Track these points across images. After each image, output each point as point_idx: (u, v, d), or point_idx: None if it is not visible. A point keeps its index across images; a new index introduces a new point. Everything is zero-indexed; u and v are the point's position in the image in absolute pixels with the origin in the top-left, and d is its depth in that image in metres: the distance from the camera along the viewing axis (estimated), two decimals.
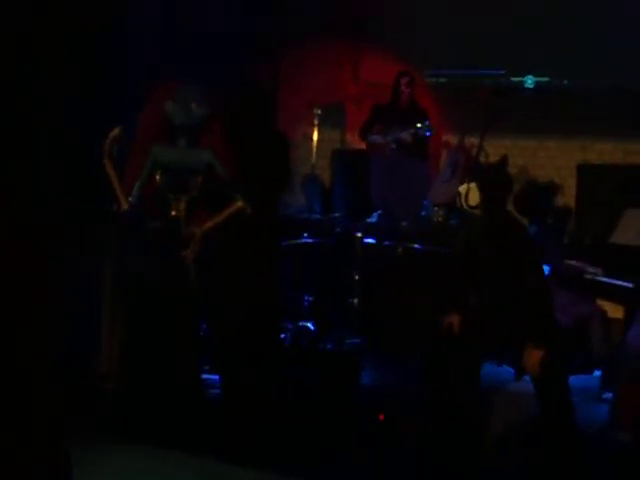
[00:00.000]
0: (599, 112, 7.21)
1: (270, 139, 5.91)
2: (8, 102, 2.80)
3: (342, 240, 6.84)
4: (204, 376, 5.43)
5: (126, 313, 5.30)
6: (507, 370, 5.90)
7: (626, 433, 4.95)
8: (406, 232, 7.15)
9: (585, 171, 7.34)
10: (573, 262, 6.09)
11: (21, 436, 2.75)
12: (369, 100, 8.07)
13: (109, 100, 4.91)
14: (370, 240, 6.87)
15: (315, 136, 8.06)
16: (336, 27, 8.15)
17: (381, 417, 5.21)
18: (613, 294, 5.92)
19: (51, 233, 2.96)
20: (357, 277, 6.55)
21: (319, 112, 8.02)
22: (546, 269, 5.70)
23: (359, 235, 6.69)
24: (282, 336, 5.91)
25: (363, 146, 7.93)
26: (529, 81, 7.61)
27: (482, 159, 7.13)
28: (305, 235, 6.56)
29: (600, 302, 6.18)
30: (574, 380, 4.95)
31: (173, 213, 5.07)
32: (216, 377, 5.41)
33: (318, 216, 7.87)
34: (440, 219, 7.50)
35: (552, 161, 7.68)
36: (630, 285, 5.70)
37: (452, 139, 7.94)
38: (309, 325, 6.04)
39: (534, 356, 4.36)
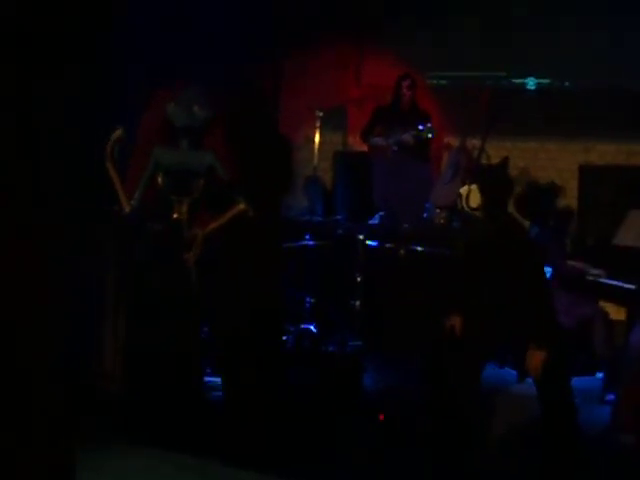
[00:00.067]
0: (601, 113, 7.20)
1: (272, 141, 5.91)
2: (8, 102, 2.80)
3: (344, 242, 6.85)
4: (206, 378, 5.43)
5: (128, 315, 5.30)
6: (509, 372, 5.91)
7: (628, 435, 4.95)
8: (408, 234, 7.14)
9: (587, 172, 7.33)
10: (575, 263, 6.08)
11: (21, 436, 2.74)
12: (371, 102, 8.07)
13: (109, 100, 4.91)
14: (372, 242, 6.86)
15: (317, 138, 8.05)
16: (338, 30, 8.15)
17: (381, 417, 5.21)
18: (616, 296, 5.92)
19: (51, 233, 2.96)
20: (359, 279, 6.54)
21: (321, 114, 8.02)
22: (548, 271, 5.70)
23: (361, 237, 6.69)
24: (284, 338, 5.91)
25: (365, 148, 7.93)
26: (530, 83, 7.60)
27: (483, 161, 7.14)
28: (307, 237, 6.56)
29: (603, 304, 6.18)
30: (576, 382, 4.95)
31: (175, 215, 5.07)
32: (218, 379, 5.41)
33: (320, 218, 7.86)
34: (442, 221, 7.49)
35: (554, 163, 7.67)
36: (633, 287, 5.69)
37: (453, 141, 7.93)
38: (311, 327, 6.04)
39: (536, 358, 4.35)
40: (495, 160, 7.05)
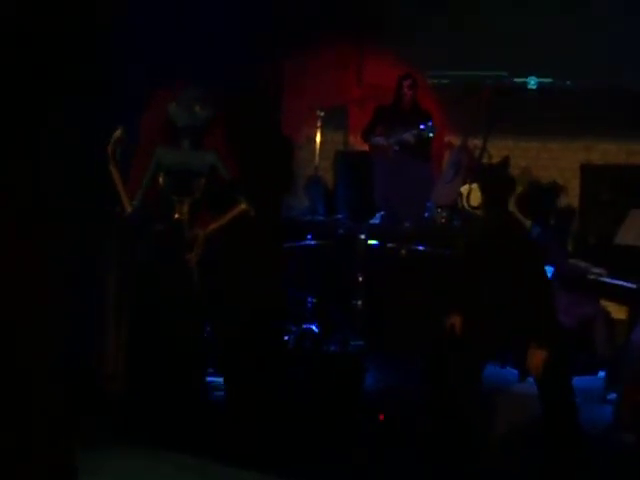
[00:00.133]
0: (602, 112, 7.19)
1: (273, 141, 5.92)
2: (8, 102, 2.80)
3: (345, 242, 6.84)
4: (209, 378, 5.43)
5: (130, 315, 5.30)
6: (511, 372, 5.90)
7: (630, 434, 4.94)
8: (409, 233, 7.15)
9: (589, 172, 7.32)
10: (577, 263, 6.08)
11: (21, 436, 2.75)
12: (372, 102, 8.07)
13: (109, 100, 4.91)
14: (373, 242, 6.86)
15: (318, 138, 8.06)
16: (338, 30, 8.15)
17: (381, 417, 5.20)
18: (617, 295, 5.92)
19: (51, 233, 2.96)
20: (360, 279, 6.54)
21: (322, 114, 8.03)
22: (550, 270, 5.70)
23: (362, 237, 6.69)
24: (286, 338, 5.91)
25: (366, 148, 7.93)
26: (532, 82, 7.59)
27: (485, 160, 7.13)
28: (308, 237, 6.56)
29: (604, 303, 6.17)
30: (578, 381, 4.94)
31: (176, 216, 5.06)
32: (220, 379, 5.41)
33: (321, 218, 7.87)
34: (443, 220, 7.49)
35: (555, 162, 7.66)
36: (634, 286, 5.69)
37: (455, 140, 7.92)
38: (313, 327, 6.03)
39: (537, 357, 4.35)
40: (496, 159, 7.05)
